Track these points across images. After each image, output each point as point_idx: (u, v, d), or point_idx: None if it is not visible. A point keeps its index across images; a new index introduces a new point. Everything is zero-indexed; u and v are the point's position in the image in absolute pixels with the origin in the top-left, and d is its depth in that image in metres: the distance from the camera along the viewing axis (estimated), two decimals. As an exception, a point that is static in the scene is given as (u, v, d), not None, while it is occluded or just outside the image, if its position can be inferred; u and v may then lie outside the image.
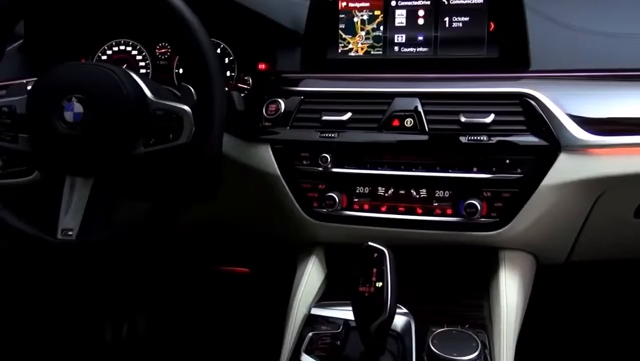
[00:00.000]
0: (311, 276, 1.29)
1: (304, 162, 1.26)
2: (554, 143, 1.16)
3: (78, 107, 1.12)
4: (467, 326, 1.10)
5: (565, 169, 1.17)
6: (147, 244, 1.50)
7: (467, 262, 1.31)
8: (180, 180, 1.13)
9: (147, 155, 1.15)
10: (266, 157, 1.28)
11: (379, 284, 0.96)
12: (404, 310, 1.14)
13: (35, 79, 1.19)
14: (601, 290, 1.78)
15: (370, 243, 0.99)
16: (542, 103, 1.17)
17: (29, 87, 1.19)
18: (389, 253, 0.97)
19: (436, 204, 1.22)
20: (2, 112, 1.19)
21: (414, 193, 1.23)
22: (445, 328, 1.08)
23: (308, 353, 1.09)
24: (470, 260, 1.30)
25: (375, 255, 0.98)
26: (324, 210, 1.26)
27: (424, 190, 1.23)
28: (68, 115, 1.12)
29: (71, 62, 1.25)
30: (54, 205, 1.16)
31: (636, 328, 1.84)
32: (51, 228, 1.16)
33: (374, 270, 0.97)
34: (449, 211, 1.22)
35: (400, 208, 1.24)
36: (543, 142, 1.16)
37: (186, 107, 1.12)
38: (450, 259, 1.31)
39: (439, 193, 1.22)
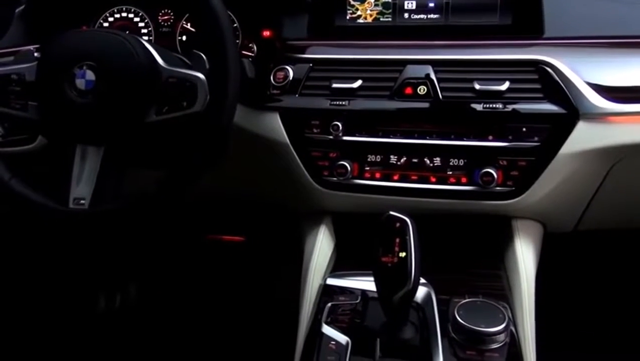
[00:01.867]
0: (323, 246, 1.28)
1: (314, 130, 1.24)
2: (572, 111, 1.14)
3: (90, 75, 1.09)
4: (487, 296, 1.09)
5: (584, 137, 1.15)
6: (160, 214, 1.49)
7: (480, 232, 1.29)
8: (194, 148, 1.10)
9: (159, 124, 1.12)
10: (275, 125, 1.26)
11: (402, 254, 0.94)
12: (423, 281, 1.11)
13: (38, 46, 1.18)
14: (606, 260, 1.78)
15: (391, 212, 0.97)
16: (559, 70, 1.14)
17: (36, 54, 1.17)
18: (411, 222, 0.95)
19: (450, 173, 1.20)
20: (11, 80, 1.16)
21: (428, 161, 1.21)
22: (470, 299, 1.06)
23: (328, 323, 1.07)
24: (483, 229, 1.29)
25: (398, 224, 0.95)
26: (335, 178, 1.23)
27: (438, 159, 1.21)
28: (80, 83, 1.09)
29: (76, 29, 1.22)
30: (65, 175, 1.14)
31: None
32: (63, 198, 1.14)
33: (397, 239, 0.95)
34: (464, 180, 1.20)
35: (413, 177, 1.22)
36: (561, 110, 1.14)
37: (200, 75, 1.09)
38: (462, 229, 1.30)
39: (454, 162, 1.20)
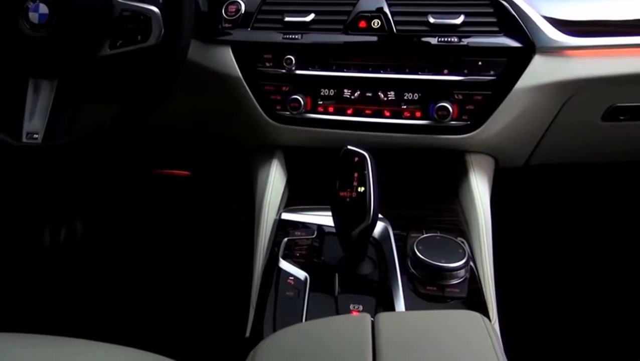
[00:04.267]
0: (275, 180, 1.26)
1: (267, 64, 1.22)
2: (528, 45, 1.13)
3: (43, 8, 1.08)
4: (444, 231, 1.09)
5: (540, 71, 1.14)
6: (112, 148, 1.47)
7: (435, 167, 1.29)
8: (148, 82, 1.10)
9: (113, 57, 1.12)
10: (227, 59, 1.24)
11: (361, 189, 0.93)
12: (381, 216, 1.11)
13: None
14: (557, 194, 1.78)
15: (350, 147, 0.96)
16: (514, 4, 1.13)
17: None
18: (369, 156, 0.94)
19: (405, 107, 1.19)
20: None
21: (382, 95, 1.20)
22: (428, 234, 1.06)
23: (285, 258, 1.07)
24: (439, 164, 1.28)
25: (356, 158, 0.94)
26: (288, 112, 1.22)
27: (392, 93, 1.19)
28: (33, 17, 1.08)
29: None
30: (18, 109, 1.13)
31: (589, 232, 1.87)
32: (15, 132, 1.13)
33: (355, 174, 0.94)
34: (418, 114, 1.19)
35: (367, 111, 1.21)
36: (517, 44, 1.13)
37: (155, 8, 1.08)
38: (417, 164, 1.29)
39: (408, 96, 1.19)
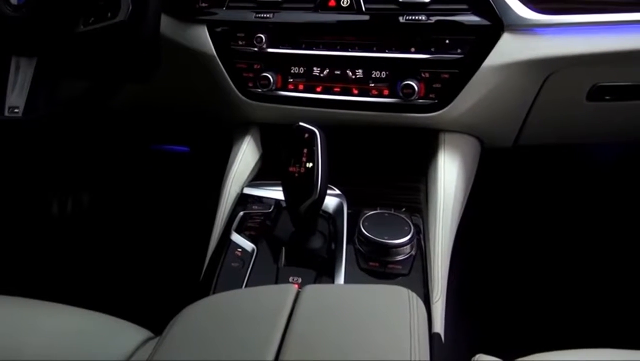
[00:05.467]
0: (245, 156, 1.29)
1: (240, 42, 1.24)
2: (496, 23, 1.12)
3: None
4: (403, 209, 1.09)
5: (509, 49, 1.13)
6: (87, 119, 1.52)
7: (406, 146, 1.29)
8: (118, 58, 1.15)
9: (86, 34, 1.15)
10: (202, 37, 1.26)
11: (309, 165, 0.94)
12: (337, 192, 1.13)
13: None
14: (550, 175, 1.76)
15: (300, 123, 0.97)
16: None
17: None
18: (320, 133, 0.95)
19: (372, 85, 1.20)
20: None
21: (350, 73, 1.21)
22: (378, 211, 1.07)
23: (238, 231, 1.09)
24: (410, 143, 1.28)
25: (306, 135, 0.96)
26: (259, 90, 1.24)
27: (360, 71, 1.20)
28: None
29: None
30: (0, 86, 1.19)
31: (581, 215, 1.84)
32: None
33: (305, 150, 0.95)
34: (386, 92, 1.19)
35: (336, 89, 1.22)
36: (485, 22, 1.13)
37: None
38: (388, 142, 1.30)
39: (376, 74, 1.19)
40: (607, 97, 1.21)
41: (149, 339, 0.92)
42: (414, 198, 1.18)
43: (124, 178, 2.15)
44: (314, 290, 0.79)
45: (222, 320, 0.75)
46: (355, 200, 1.13)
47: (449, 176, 1.18)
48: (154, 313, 1.09)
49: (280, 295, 0.77)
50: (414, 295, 0.77)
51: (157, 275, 1.86)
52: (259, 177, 1.28)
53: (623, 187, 1.74)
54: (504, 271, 1.75)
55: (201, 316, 0.77)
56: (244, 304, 0.78)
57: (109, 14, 1.12)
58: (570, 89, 1.21)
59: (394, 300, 0.77)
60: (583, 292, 1.72)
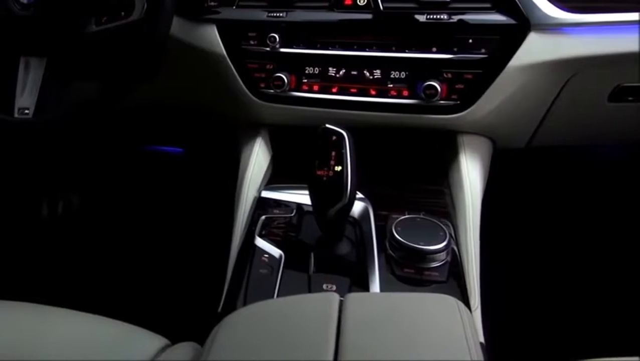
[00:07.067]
0: (258, 158, 1.26)
1: (251, 42, 1.21)
2: (522, 22, 1.09)
3: None
4: (429, 213, 1.06)
5: (535, 49, 1.10)
6: (99, 122, 1.49)
7: (424, 148, 1.26)
8: (132, 58, 1.13)
9: (99, 34, 1.13)
10: (212, 37, 1.23)
11: (338, 168, 0.91)
12: (361, 196, 1.10)
13: None
14: (562, 177, 1.74)
15: (327, 125, 0.93)
16: None
17: None
18: (347, 135, 0.92)
19: (391, 85, 1.16)
20: None
21: (367, 74, 1.17)
22: (409, 216, 1.04)
23: (262, 236, 1.06)
24: (427, 145, 1.26)
25: (334, 137, 0.93)
26: (272, 90, 1.21)
27: (378, 71, 1.16)
28: None
29: None
30: (10, 86, 1.16)
31: (589, 218, 1.81)
32: (8, 108, 1.16)
33: (333, 153, 0.92)
34: (405, 93, 1.16)
35: (352, 90, 1.19)
36: (510, 20, 1.10)
37: None
38: (406, 145, 1.27)
39: (395, 74, 1.16)
40: (630, 98, 1.18)
41: (166, 346, 0.87)
42: (440, 202, 1.15)
43: (119, 179, 2.11)
44: (357, 299, 0.74)
45: (270, 329, 0.71)
46: (379, 204, 1.09)
47: (474, 180, 1.15)
48: (162, 318, 1.08)
49: (324, 304, 0.73)
50: (462, 304, 0.73)
51: (163, 279, 1.82)
52: (273, 179, 1.24)
53: (630, 188, 1.72)
54: (518, 275, 1.71)
55: (246, 325, 0.73)
56: (289, 313, 0.73)
57: (123, 13, 1.10)
58: (593, 90, 1.18)
59: (445, 310, 0.72)
60: (602, 295, 1.69)
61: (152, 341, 0.88)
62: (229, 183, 1.23)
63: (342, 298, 0.73)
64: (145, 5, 1.08)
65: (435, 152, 1.25)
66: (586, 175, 1.69)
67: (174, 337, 0.89)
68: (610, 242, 1.76)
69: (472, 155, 1.19)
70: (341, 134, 0.92)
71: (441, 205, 1.14)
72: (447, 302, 0.73)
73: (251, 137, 1.30)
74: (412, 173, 1.23)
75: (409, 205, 1.09)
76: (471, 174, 1.15)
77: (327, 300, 0.73)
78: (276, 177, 1.25)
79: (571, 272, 1.75)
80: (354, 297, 0.74)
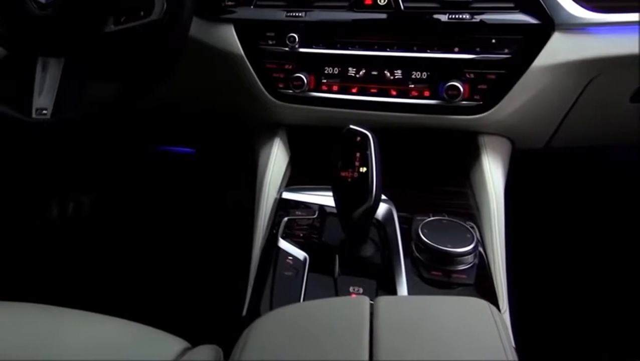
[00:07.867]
0: (277, 159, 1.25)
1: (270, 42, 1.19)
2: (547, 21, 1.07)
3: None
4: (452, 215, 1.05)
5: (559, 49, 1.08)
6: (112, 122, 1.48)
7: (443, 148, 1.25)
8: (151, 58, 1.12)
9: (118, 34, 1.12)
10: (229, 37, 1.21)
11: (363, 169, 0.90)
12: (385, 198, 1.08)
13: None
14: (578, 178, 1.73)
15: (351, 126, 0.92)
16: None
17: None
18: (372, 136, 0.90)
19: (412, 86, 1.15)
20: None
21: (388, 74, 1.15)
22: (434, 217, 1.02)
23: (285, 238, 1.05)
24: (447, 146, 1.24)
25: (358, 138, 0.91)
26: (291, 91, 1.19)
27: (399, 71, 1.15)
28: None
29: None
30: (27, 86, 1.15)
31: (610, 216, 1.79)
32: (26, 108, 1.15)
33: (357, 154, 0.90)
34: (427, 93, 1.14)
35: (373, 90, 1.17)
36: (534, 20, 1.08)
37: None
38: (427, 145, 1.25)
39: (416, 75, 1.14)
40: (653, 99, 1.17)
41: (186, 349, 0.86)
42: (464, 203, 1.13)
43: (131, 178, 2.10)
44: (388, 302, 0.73)
45: (302, 332, 0.69)
46: (402, 205, 1.07)
47: (497, 182, 1.14)
48: (180, 321, 1.05)
49: (356, 308, 0.71)
50: (494, 307, 0.72)
51: (180, 281, 1.80)
52: (292, 180, 1.23)
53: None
54: (542, 276, 1.69)
55: (278, 328, 0.72)
56: (321, 316, 0.72)
57: (142, 13, 1.09)
58: (615, 90, 1.16)
59: (477, 313, 0.71)
60: (627, 295, 1.66)
61: (172, 343, 0.87)
62: (243, 183, 1.22)
63: (372, 302, 0.72)
64: (165, 5, 1.07)
65: (455, 152, 1.23)
66: (602, 176, 1.68)
67: (193, 340, 0.88)
68: (632, 242, 1.74)
69: (494, 156, 1.18)
70: (366, 135, 0.90)
71: (464, 206, 1.12)
72: (480, 305, 0.72)
73: (269, 138, 1.28)
74: (432, 174, 1.21)
75: (432, 207, 1.07)
76: (494, 175, 1.14)
77: (358, 303, 0.72)
78: (295, 178, 1.24)
79: (594, 273, 1.73)
80: (385, 300, 0.73)
